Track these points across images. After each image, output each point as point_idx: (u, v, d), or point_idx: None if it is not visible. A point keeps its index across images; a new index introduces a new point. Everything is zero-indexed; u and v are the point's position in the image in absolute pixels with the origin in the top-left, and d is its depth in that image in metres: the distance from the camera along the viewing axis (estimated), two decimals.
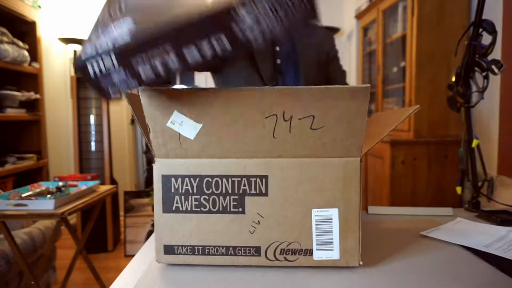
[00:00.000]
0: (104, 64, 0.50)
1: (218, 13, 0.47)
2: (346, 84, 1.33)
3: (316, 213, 0.60)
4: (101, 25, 0.52)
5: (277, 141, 0.58)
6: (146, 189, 3.27)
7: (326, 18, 3.54)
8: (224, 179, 0.60)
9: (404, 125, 2.37)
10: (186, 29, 0.47)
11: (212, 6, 0.47)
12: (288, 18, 0.47)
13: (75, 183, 1.89)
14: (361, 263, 0.63)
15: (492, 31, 1.09)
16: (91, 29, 0.53)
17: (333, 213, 0.61)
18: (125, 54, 0.49)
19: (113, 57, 0.49)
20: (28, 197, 1.64)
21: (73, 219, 3.42)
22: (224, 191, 0.61)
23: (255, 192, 0.60)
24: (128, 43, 0.49)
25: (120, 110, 3.83)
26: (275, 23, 0.47)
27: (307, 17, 0.48)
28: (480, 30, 1.12)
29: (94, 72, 0.50)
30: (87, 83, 0.52)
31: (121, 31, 0.49)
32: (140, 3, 0.52)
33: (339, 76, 1.41)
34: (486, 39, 1.11)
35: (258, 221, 0.61)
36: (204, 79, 3.89)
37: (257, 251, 0.63)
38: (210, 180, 0.61)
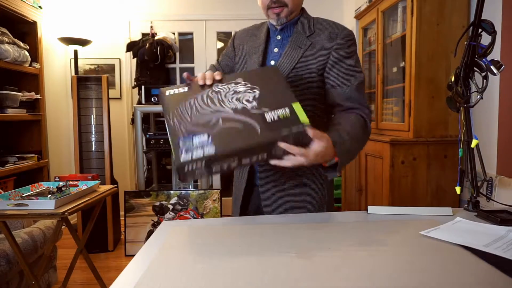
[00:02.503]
0: (194, 166, 0.84)
1: (265, 143, 0.86)
2: None
3: None
4: (179, 133, 0.87)
5: None
6: (146, 189, 3.27)
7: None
8: None
9: (404, 125, 2.38)
10: (245, 150, 0.85)
11: (263, 138, 0.86)
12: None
13: (75, 183, 1.90)
14: None
15: (492, 31, 1.09)
16: (171, 132, 0.88)
17: None
18: (209, 161, 0.84)
19: (202, 162, 0.83)
20: (28, 197, 1.64)
21: (73, 219, 3.42)
22: None
23: None
24: (212, 155, 0.83)
25: (120, 110, 3.84)
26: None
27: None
28: (480, 30, 1.12)
29: (187, 170, 0.83)
30: (179, 175, 0.85)
31: (203, 140, 0.85)
32: (204, 119, 0.89)
33: None
34: (485, 39, 1.11)
35: None
36: None
37: None
38: None
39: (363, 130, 1.10)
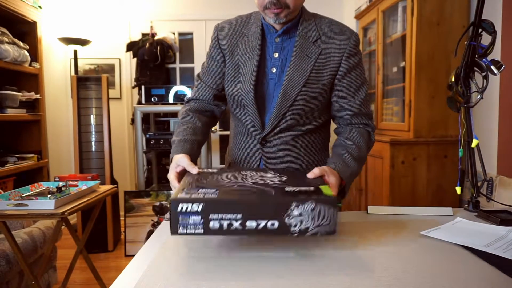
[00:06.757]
0: (190, 207, 0.70)
1: (278, 205, 0.71)
2: None
3: None
4: (192, 185, 0.79)
5: None
6: (146, 189, 3.27)
7: None
8: None
9: (404, 125, 2.38)
10: (252, 208, 0.71)
11: (275, 198, 0.73)
12: (319, 226, 0.71)
13: (75, 183, 1.90)
14: None
15: (492, 31, 1.09)
16: (184, 187, 0.78)
17: None
18: (208, 207, 0.69)
19: (200, 205, 0.69)
20: (28, 197, 1.64)
21: (73, 219, 3.42)
22: None
23: None
24: (214, 199, 0.70)
25: (120, 110, 3.84)
26: (310, 224, 0.71)
27: (328, 231, 0.72)
28: (480, 30, 1.12)
29: (181, 209, 0.69)
30: (170, 215, 0.71)
31: (209, 191, 0.74)
32: (219, 184, 0.81)
33: None
34: (485, 39, 1.11)
35: None
36: None
37: None
38: None
39: (367, 145, 1.10)
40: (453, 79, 1.17)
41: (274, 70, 1.10)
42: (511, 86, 1.87)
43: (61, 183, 1.79)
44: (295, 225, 0.71)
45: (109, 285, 0.68)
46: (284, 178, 0.86)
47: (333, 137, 1.22)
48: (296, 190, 0.76)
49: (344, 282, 0.65)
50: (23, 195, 1.67)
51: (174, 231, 0.71)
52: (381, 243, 0.84)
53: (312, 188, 0.78)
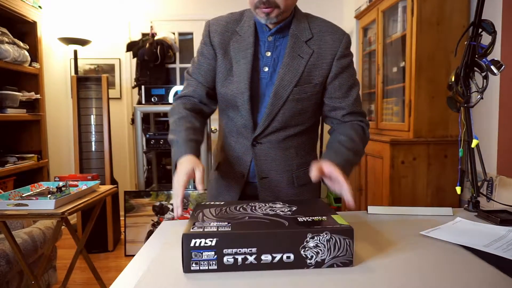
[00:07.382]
0: (204, 242, 0.68)
1: (294, 236, 0.69)
2: None
3: None
4: (198, 219, 0.76)
5: None
6: (146, 189, 3.27)
7: (326, 19, 3.50)
8: None
9: (404, 125, 2.38)
10: (267, 240, 0.69)
11: (290, 229, 0.70)
12: (335, 257, 0.70)
13: (75, 183, 1.90)
14: None
15: (492, 31, 1.09)
16: (194, 221, 0.75)
17: None
18: (222, 241, 0.68)
19: (214, 240, 0.67)
20: (28, 197, 1.64)
21: (73, 219, 3.42)
22: None
23: None
24: (227, 233, 0.68)
25: (120, 110, 3.84)
26: (327, 256, 0.70)
27: (345, 262, 0.71)
28: (480, 30, 1.12)
29: (194, 244, 0.68)
30: (182, 251, 0.68)
31: (221, 224, 0.72)
32: (230, 216, 0.78)
33: None
34: (485, 39, 1.11)
35: None
36: None
37: None
38: None
39: (360, 138, 1.09)
40: (453, 79, 1.17)
41: (266, 69, 1.08)
42: (511, 86, 1.88)
43: (61, 183, 1.79)
44: (311, 257, 0.70)
45: (109, 285, 0.68)
46: (294, 208, 0.84)
47: (325, 138, 1.22)
48: (309, 219, 0.75)
49: (344, 283, 0.65)
50: (23, 195, 1.67)
51: (186, 268, 0.69)
52: (381, 243, 0.84)
53: (325, 218, 0.76)
